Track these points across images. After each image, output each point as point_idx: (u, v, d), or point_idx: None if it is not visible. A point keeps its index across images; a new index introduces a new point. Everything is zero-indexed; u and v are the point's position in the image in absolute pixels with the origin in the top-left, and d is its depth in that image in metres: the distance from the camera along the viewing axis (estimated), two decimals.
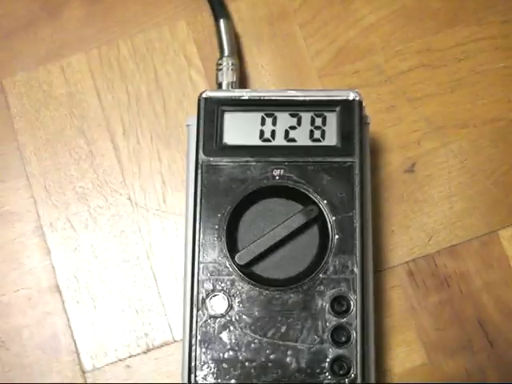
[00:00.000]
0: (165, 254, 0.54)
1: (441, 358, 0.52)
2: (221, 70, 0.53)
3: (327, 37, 0.57)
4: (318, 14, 0.57)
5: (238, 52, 0.55)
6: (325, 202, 0.47)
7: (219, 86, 0.53)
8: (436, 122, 0.55)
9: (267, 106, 0.48)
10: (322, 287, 0.46)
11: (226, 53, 0.53)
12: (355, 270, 0.46)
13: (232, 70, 0.53)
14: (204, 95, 0.48)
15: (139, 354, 0.53)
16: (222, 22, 0.55)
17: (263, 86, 0.56)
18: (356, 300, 0.45)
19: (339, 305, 0.45)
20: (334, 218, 0.46)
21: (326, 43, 0.57)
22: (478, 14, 0.57)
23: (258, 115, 0.48)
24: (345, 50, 0.57)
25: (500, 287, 0.53)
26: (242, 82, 0.55)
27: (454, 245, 0.54)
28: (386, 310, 0.53)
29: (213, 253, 0.46)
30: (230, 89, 0.51)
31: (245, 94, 0.48)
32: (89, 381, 0.52)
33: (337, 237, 0.46)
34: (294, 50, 0.57)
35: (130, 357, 0.53)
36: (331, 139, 0.48)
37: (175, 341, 0.53)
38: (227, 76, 0.52)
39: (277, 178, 0.47)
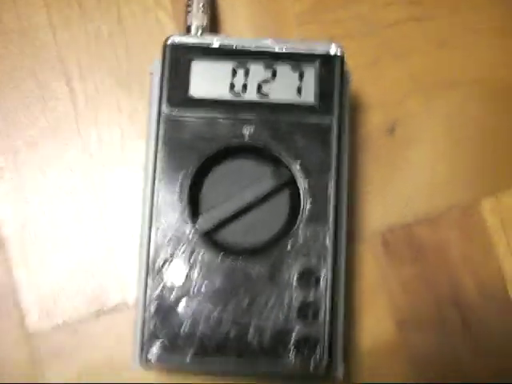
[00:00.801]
0: (121, 212, 0.49)
1: (412, 334, 0.49)
2: (190, 11, 0.48)
3: None
4: None
5: None
6: (298, 165, 0.42)
7: (187, 29, 0.47)
8: (421, 81, 0.51)
9: (239, 56, 0.43)
10: (289, 259, 0.41)
11: None
12: (327, 241, 0.42)
13: (203, 11, 0.48)
14: (170, 41, 0.43)
15: (89, 317, 0.48)
16: None
17: (236, 32, 0.51)
18: (326, 274, 0.41)
19: (308, 279, 0.42)
20: (306, 183, 0.42)
21: None
22: None
23: (229, 65, 0.44)
24: None
25: (478, 263, 0.49)
26: (214, 25, 0.50)
27: (432, 213, 0.49)
28: (357, 281, 0.49)
29: (172, 216, 0.42)
30: (199, 35, 0.46)
31: (215, 41, 0.44)
32: (34, 343, 0.48)
33: (309, 204, 0.42)
34: None
35: (78, 321, 0.48)
36: (308, 96, 0.43)
37: (128, 307, 0.48)
38: (197, 18, 0.47)
39: (246, 136, 0.42)
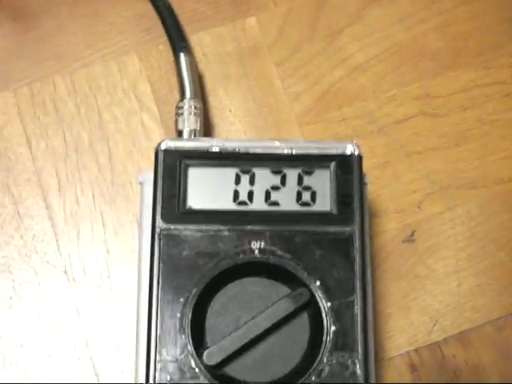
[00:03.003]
0: (109, 342, 0.43)
1: None
2: (181, 114, 0.43)
3: (308, 78, 0.48)
4: (297, 51, 0.48)
5: (201, 93, 0.45)
6: (317, 283, 0.37)
7: (179, 134, 0.43)
8: (439, 182, 0.46)
9: (243, 161, 0.38)
10: None
11: (188, 94, 0.44)
12: (358, 371, 0.35)
13: (195, 114, 0.43)
14: (163, 146, 0.38)
15: None
16: (182, 57, 0.45)
17: (232, 135, 0.46)
18: None
19: None
20: (329, 303, 0.36)
21: (307, 85, 0.48)
22: (483, 55, 0.48)
23: (231, 172, 0.39)
24: (329, 93, 0.47)
25: None
26: (207, 129, 0.45)
27: (463, 331, 0.44)
28: None
29: (174, 349, 0.36)
30: (195, 138, 0.41)
31: (214, 144, 0.38)
32: None
33: (333, 328, 0.36)
34: (268, 92, 0.47)
35: None
36: (324, 203, 0.38)
37: None
38: (189, 122, 0.43)
39: (256, 251, 0.37)
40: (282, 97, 0.47)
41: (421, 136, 0.47)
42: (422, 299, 0.44)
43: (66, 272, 0.44)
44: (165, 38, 0.47)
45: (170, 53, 0.47)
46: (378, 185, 0.46)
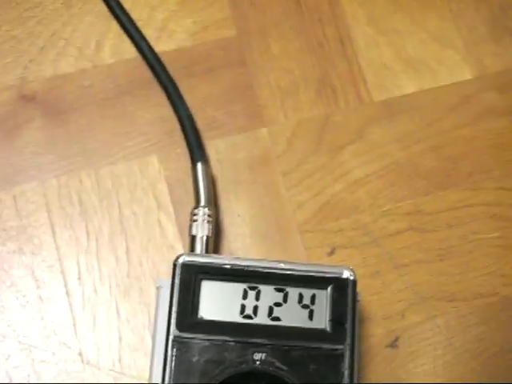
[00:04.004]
0: None
1: None
2: (196, 220, 0.48)
3: (311, 188, 0.52)
4: (302, 163, 0.53)
5: (214, 198, 0.50)
6: None
7: (192, 238, 0.47)
8: (422, 293, 0.51)
9: (251, 278, 0.43)
10: None
11: (203, 202, 0.48)
12: None
13: (208, 222, 0.48)
14: (181, 260, 0.43)
15: None
16: (199, 167, 0.50)
17: (238, 238, 0.51)
18: None
19: None
20: None
21: (310, 195, 0.52)
22: (472, 177, 0.53)
23: (240, 287, 0.43)
24: (329, 204, 0.52)
25: None
26: (216, 231, 0.50)
27: None
28: None
29: None
30: (209, 253, 0.46)
31: (227, 261, 0.43)
32: None
33: None
34: (274, 199, 0.52)
35: None
36: (320, 321, 0.43)
37: None
38: (202, 229, 0.47)
39: (257, 362, 0.42)
40: (286, 205, 0.52)
41: (409, 249, 0.52)
42: None
43: (80, 354, 0.49)
44: (183, 143, 0.52)
45: (188, 156, 0.51)
46: (368, 292, 0.51)
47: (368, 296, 0.51)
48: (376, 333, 0.50)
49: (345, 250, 0.50)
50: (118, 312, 0.49)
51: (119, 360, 0.49)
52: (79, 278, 0.50)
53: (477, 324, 0.51)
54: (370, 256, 0.51)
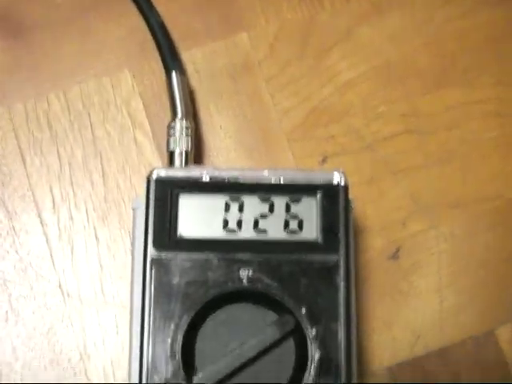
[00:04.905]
0: (103, 356, 0.44)
1: None
2: (173, 135, 0.44)
3: (297, 94, 0.49)
4: (286, 67, 0.49)
5: (192, 110, 0.46)
6: (303, 310, 0.38)
7: (170, 154, 0.43)
8: (423, 200, 0.47)
9: (232, 189, 0.39)
10: None
11: (180, 114, 0.45)
12: None
13: (186, 135, 0.44)
14: (154, 175, 0.39)
15: None
16: (174, 76, 0.46)
17: (222, 151, 0.47)
18: None
19: None
20: (314, 330, 0.38)
21: (297, 102, 0.48)
22: (468, 73, 0.49)
23: (221, 199, 0.40)
24: (318, 109, 0.48)
25: None
26: (197, 145, 0.46)
27: (444, 347, 0.45)
28: None
29: (165, 373, 0.37)
30: (184, 164, 0.42)
31: (205, 173, 0.40)
32: None
33: (318, 354, 0.38)
34: (258, 108, 0.48)
35: None
36: (311, 232, 0.39)
37: None
38: (180, 143, 0.43)
39: (244, 280, 0.38)
40: (272, 113, 0.48)
41: (406, 154, 0.48)
42: (404, 315, 0.46)
43: (60, 286, 0.45)
44: (157, 54, 0.48)
45: (162, 69, 0.47)
46: (364, 201, 0.47)
47: (364, 204, 0.47)
48: (375, 244, 0.47)
49: (337, 157, 0.47)
50: (97, 239, 0.46)
51: (101, 290, 0.46)
52: (53, 207, 0.46)
53: (483, 230, 0.47)
54: (365, 162, 0.48)
